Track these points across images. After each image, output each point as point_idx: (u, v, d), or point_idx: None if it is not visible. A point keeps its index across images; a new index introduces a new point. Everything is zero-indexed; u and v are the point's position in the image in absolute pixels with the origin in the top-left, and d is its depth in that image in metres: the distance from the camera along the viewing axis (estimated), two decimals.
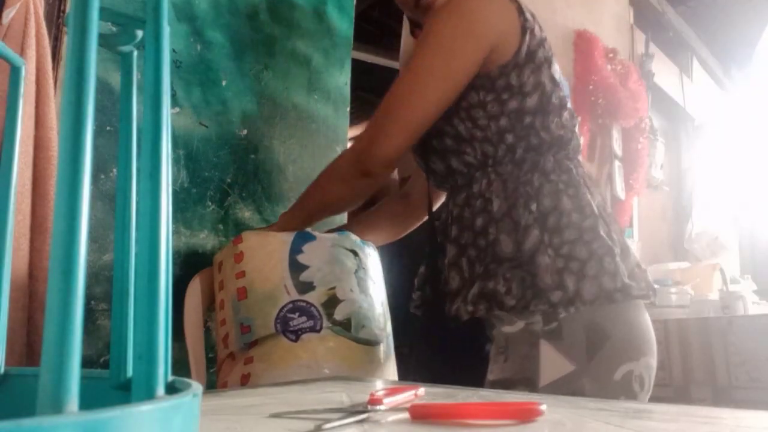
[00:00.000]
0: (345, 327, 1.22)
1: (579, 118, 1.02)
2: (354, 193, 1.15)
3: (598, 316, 0.88)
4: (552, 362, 0.86)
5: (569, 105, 1.04)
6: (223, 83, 1.62)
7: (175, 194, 1.42)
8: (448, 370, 1.05)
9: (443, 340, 1.05)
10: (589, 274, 0.88)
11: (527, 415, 0.38)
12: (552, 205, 0.93)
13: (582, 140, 1.03)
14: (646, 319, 0.94)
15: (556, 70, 1.04)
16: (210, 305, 1.39)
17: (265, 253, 1.29)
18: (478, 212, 0.97)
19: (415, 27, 1.12)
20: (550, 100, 1.01)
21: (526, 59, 0.99)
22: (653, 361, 0.92)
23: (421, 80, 0.98)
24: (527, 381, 0.86)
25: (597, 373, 0.86)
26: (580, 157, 1.04)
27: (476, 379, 0.94)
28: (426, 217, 1.23)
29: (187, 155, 1.51)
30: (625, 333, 0.89)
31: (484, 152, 0.99)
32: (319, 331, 1.21)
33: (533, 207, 0.93)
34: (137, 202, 0.20)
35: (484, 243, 0.94)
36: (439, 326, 1.00)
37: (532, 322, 0.89)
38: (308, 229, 1.34)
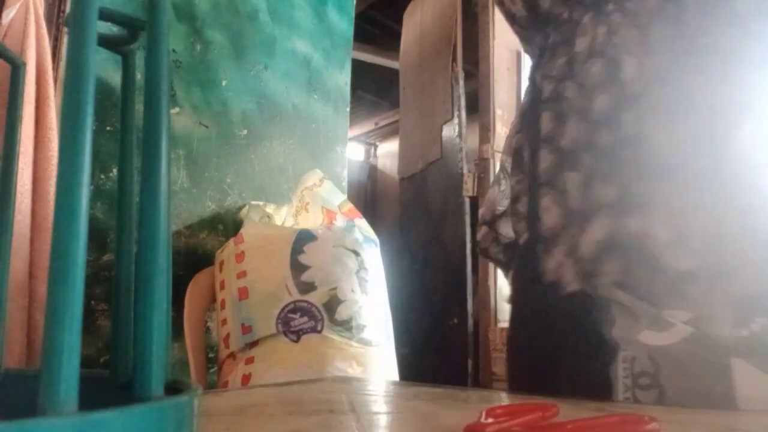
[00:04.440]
0: (346, 327, 1.23)
1: None
2: None
3: None
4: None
5: None
6: (223, 83, 1.62)
7: (176, 194, 1.42)
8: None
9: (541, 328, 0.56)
10: None
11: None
12: None
13: None
14: None
15: None
16: (211, 305, 1.39)
17: (266, 253, 1.29)
18: (586, 85, 0.54)
19: None
20: None
21: None
22: None
23: None
24: None
25: None
26: None
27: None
28: None
29: (187, 155, 1.51)
30: None
31: None
32: (320, 331, 1.21)
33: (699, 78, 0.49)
34: (137, 202, 0.20)
35: (609, 140, 0.50)
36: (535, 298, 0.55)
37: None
38: (310, 228, 1.34)
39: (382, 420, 0.41)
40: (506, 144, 0.67)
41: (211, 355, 1.43)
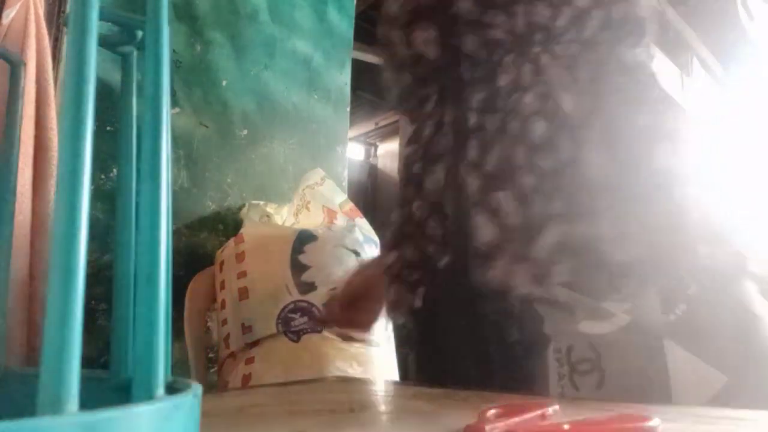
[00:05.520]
0: None
1: None
2: None
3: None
4: (699, 380, 0.53)
5: None
6: (224, 83, 1.62)
7: (176, 194, 1.42)
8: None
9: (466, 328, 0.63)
10: None
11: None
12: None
13: None
14: None
15: None
16: (211, 305, 1.39)
17: (266, 253, 1.29)
18: (516, 115, 0.60)
19: None
20: None
21: None
22: None
23: None
24: None
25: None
26: None
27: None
28: None
29: (188, 155, 1.51)
30: None
31: (531, 21, 0.62)
32: (320, 331, 1.21)
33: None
34: (137, 202, 0.20)
35: (549, 164, 0.57)
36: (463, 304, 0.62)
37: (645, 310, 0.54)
38: (310, 228, 1.34)
39: (382, 420, 0.41)
40: (404, 170, 0.70)
41: (211, 355, 1.43)
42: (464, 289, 0.60)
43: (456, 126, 0.64)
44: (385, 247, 0.72)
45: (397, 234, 0.70)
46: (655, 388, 0.52)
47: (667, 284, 0.54)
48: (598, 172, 0.55)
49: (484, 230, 0.58)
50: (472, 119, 0.62)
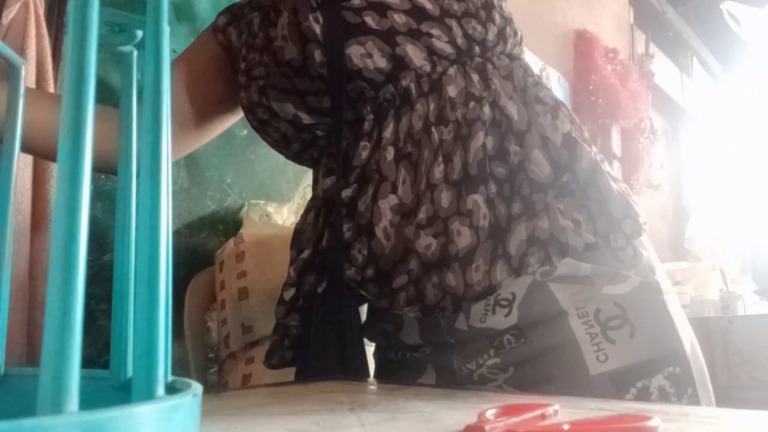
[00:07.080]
0: None
1: None
2: None
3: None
4: (685, 326, 0.67)
5: None
6: None
7: (175, 194, 1.42)
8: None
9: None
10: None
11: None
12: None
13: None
14: None
15: None
16: (211, 305, 1.39)
17: (266, 253, 1.29)
18: (473, 125, 0.64)
19: None
20: None
21: None
22: None
23: None
24: (674, 357, 0.63)
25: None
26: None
27: None
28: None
29: (188, 155, 1.51)
30: None
31: (467, 34, 0.66)
32: None
33: (561, 113, 0.67)
34: (137, 202, 0.20)
35: (503, 170, 0.64)
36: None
37: (644, 273, 0.65)
38: None
39: (382, 420, 0.41)
40: (319, 198, 0.71)
41: (211, 355, 1.43)
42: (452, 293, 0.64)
43: (399, 142, 0.66)
44: (289, 282, 0.76)
45: (306, 267, 0.75)
46: (669, 332, 0.63)
47: (647, 255, 0.67)
48: (539, 174, 0.63)
49: (462, 236, 0.62)
50: (436, 133, 0.65)
